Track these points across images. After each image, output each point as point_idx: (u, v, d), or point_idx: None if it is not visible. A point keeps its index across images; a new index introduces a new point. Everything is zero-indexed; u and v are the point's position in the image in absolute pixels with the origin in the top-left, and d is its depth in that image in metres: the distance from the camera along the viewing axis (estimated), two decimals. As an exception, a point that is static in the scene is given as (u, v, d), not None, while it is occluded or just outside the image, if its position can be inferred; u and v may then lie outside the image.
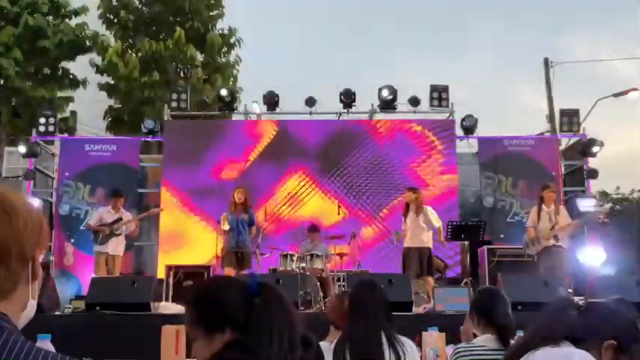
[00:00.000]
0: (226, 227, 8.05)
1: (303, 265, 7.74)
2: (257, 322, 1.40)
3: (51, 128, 10.34)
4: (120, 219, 8.42)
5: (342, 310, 3.22)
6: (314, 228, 8.73)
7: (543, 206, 7.77)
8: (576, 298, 1.87)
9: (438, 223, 7.78)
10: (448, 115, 10.62)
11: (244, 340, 1.38)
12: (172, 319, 5.22)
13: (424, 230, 7.74)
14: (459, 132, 10.45)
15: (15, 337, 0.96)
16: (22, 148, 10.07)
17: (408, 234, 7.81)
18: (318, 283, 7.47)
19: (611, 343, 1.74)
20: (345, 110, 10.59)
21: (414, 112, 10.54)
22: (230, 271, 7.75)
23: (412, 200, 7.86)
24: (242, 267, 7.94)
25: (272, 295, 1.46)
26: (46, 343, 2.64)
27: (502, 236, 9.80)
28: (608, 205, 19.60)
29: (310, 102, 10.36)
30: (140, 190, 10.52)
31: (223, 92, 10.60)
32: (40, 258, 1.06)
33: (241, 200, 8.14)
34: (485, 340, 2.87)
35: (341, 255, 8.50)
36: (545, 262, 7.59)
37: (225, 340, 1.41)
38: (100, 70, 14.70)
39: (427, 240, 7.77)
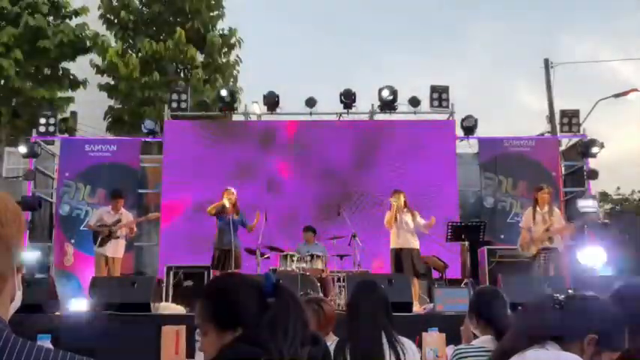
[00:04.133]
0: (212, 212, 8.15)
1: (304, 265, 7.75)
2: (270, 322, 1.41)
3: (51, 128, 10.34)
4: (119, 220, 8.40)
5: (318, 316, 3.14)
6: (308, 228, 8.77)
7: (538, 208, 7.74)
8: (556, 295, 1.85)
9: (416, 221, 7.84)
10: (448, 115, 10.63)
11: (256, 335, 1.39)
12: (172, 319, 5.22)
13: (411, 232, 7.84)
14: (459, 132, 10.45)
15: (7, 335, 0.97)
16: (22, 148, 10.08)
17: (398, 235, 7.85)
18: (319, 284, 7.47)
19: (592, 338, 1.74)
20: (346, 111, 10.59)
21: (414, 112, 10.54)
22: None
23: (398, 203, 7.91)
24: (236, 267, 7.92)
25: (286, 296, 1.47)
26: (46, 343, 2.65)
27: (502, 237, 9.81)
28: (608, 206, 19.61)
29: (310, 102, 10.36)
30: (140, 191, 10.52)
31: (223, 92, 10.59)
32: (22, 249, 1.07)
33: (232, 202, 8.16)
34: (484, 341, 2.87)
35: (341, 256, 8.50)
36: (540, 264, 7.57)
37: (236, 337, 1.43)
38: (100, 71, 14.70)
39: (415, 241, 7.87)
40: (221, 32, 15.73)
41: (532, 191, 8.09)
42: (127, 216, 8.61)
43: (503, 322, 2.88)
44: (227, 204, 8.09)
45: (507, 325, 2.86)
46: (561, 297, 1.84)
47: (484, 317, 2.95)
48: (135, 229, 8.72)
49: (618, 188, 19.75)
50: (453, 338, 3.69)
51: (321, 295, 6.22)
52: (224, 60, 15.89)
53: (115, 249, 8.36)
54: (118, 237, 8.36)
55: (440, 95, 10.47)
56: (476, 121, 10.26)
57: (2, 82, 13.56)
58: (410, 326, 4.20)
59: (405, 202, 7.98)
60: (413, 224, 7.86)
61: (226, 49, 15.83)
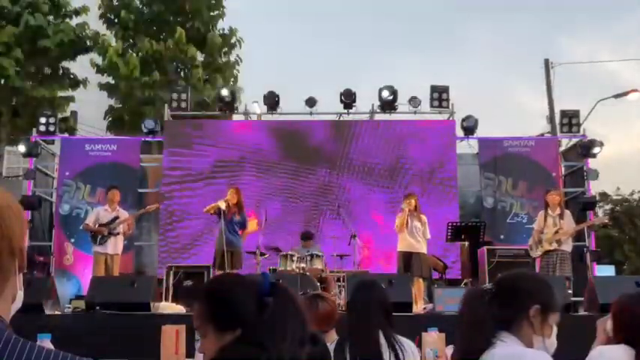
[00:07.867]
0: (210, 212, 8.06)
1: (303, 265, 7.74)
2: (269, 321, 1.40)
3: (51, 128, 10.33)
4: (117, 218, 8.39)
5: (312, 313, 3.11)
6: (308, 236, 8.65)
7: (549, 210, 7.89)
8: (487, 285, 1.87)
9: (423, 229, 7.92)
10: (448, 115, 10.62)
11: (255, 335, 1.38)
12: (172, 319, 5.22)
13: (420, 235, 7.90)
14: (460, 133, 10.45)
15: (8, 335, 0.97)
16: (22, 148, 10.07)
17: (407, 239, 7.88)
18: (319, 284, 7.46)
19: (536, 309, 1.76)
20: (346, 111, 10.59)
21: (415, 112, 10.53)
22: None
23: (409, 207, 7.94)
24: (233, 267, 7.86)
25: (284, 294, 1.46)
26: (46, 343, 2.64)
27: (502, 237, 9.81)
28: (608, 207, 19.60)
29: (310, 102, 10.36)
30: (140, 190, 10.51)
31: (224, 92, 10.59)
32: (25, 247, 1.07)
33: (233, 202, 8.10)
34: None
35: (341, 256, 8.49)
36: (546, 265, 7.75)
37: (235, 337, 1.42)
38: (100, 70, 14.71)
39: (423, 245, 7.93)
40: (221, 32, 15.74)
41: (538, 191, 8.18)
42: (124, 214, 8.59)
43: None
44: (222, 206, 7.99)
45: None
46: (489, 285, 1.85)
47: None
48: (133, 225, 8.69)
49: (618, 189, 19.73)
50: (453, 338, 3.69)
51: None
52: (224, 60, 15.90)
53: (115, 246, 8.34)
54: (117, 234, 8.36)
55: (440, 95, 10.47)
56: (476, 121, 10.26)
57: (2, 81, 13.58)
58: (410, 326, 4.20)
59: (416, 206, 8.01)
60: (422, 228, 7.92)
61: (226, 49, 15.85)
